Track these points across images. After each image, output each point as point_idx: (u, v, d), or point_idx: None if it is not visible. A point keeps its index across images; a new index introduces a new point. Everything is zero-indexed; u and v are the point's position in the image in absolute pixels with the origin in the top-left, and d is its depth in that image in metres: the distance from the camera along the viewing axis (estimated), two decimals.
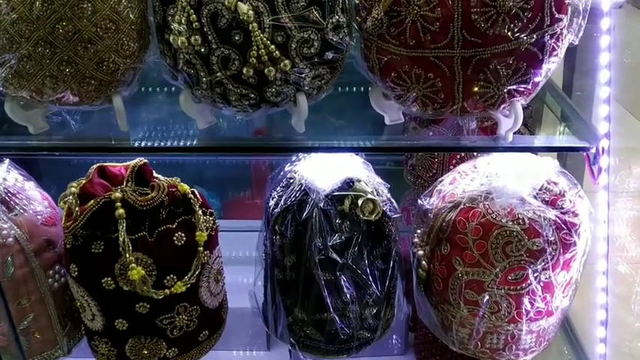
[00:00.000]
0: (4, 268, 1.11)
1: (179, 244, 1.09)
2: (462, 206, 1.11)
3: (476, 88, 0.95)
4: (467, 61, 0.92)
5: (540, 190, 1.10)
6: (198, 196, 1.13)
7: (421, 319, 1.23)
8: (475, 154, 1.22)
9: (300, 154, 1.22)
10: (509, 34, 0.90)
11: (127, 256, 1.04)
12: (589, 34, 1.04)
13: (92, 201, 1.05)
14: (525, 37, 0.91)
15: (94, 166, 1.12)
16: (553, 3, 0.91)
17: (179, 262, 1.09)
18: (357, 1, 1.00)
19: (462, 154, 1.33)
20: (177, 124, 1.10)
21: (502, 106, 0.99)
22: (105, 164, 1.12)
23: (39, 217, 1.16)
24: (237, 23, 0.90)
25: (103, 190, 1.08)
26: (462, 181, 1.15)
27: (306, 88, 0.99)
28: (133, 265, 1.04)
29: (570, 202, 1.08)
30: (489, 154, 1.17)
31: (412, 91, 0.98)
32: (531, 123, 1.30)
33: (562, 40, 0.96)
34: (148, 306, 1.08)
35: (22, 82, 0.95)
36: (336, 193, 1.12)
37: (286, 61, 0.93)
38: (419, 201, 1.19)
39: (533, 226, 1.05)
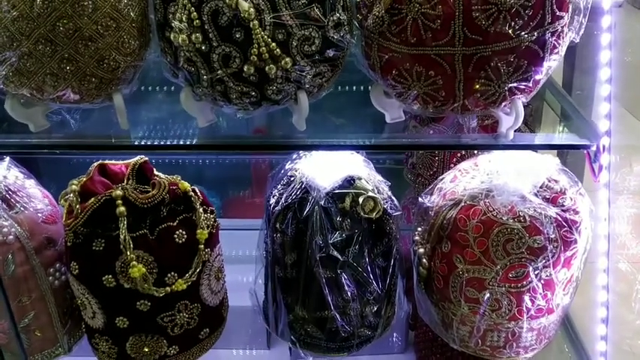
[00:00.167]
0: (4, 265, 1.11)
1: (180, 241, 1.09)
2: (462, 204, 1.11)
3: (477, 86, 0.95)
4: (468, 59, 0.92)
5: (541, 187, 1.10)
6: (198, 193, 1.13)
7: (422, 316, 1.23)
8: (476, 152, 1.22)
9: (300, 152, 1.22)
10: (510, 31, 0.90)
11: (128, 253, 1.04)
12: (589, 32, 1.03)
13: (93, 199, 1.05)
14: (526, 35, 0.91)
15: (95, 164, 1.11)
16: (554, 0, 0.91)
17: (180, 260, 1.10)
18: None
19: (463, 152, 1.33)
20: (177, 122, 1.10)
21: (503, 103, 0.99)
22: (105, 162, 1.12)
23: (39, 214, 1.16)
24: (238, 21, 0.90)
25: (103, 188, 1.08)
26: (463, 179, 1.16)
27: (307, 86, 0.99)
28: (134, 262, 1.04)
29: (571, 199, 1.08)
30: (490, 152, 1.17)
31: (413, 88, 0.98)
32: (531, 121, 1.30)
33: (563, 38, 0.96)
34: (149, 304, 1.08)
35: (23, 80, 0.95)
36: (336, 191, 1.12)
37: (287, 59, 0.93)
38: (419, 199, 1.19)
39: (534, 224, 1.05)
